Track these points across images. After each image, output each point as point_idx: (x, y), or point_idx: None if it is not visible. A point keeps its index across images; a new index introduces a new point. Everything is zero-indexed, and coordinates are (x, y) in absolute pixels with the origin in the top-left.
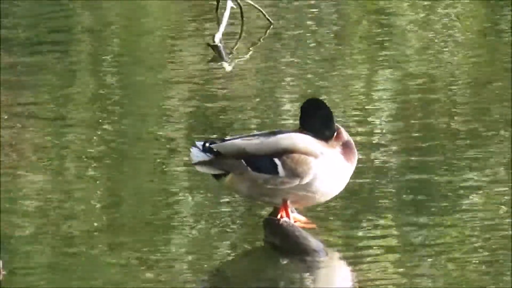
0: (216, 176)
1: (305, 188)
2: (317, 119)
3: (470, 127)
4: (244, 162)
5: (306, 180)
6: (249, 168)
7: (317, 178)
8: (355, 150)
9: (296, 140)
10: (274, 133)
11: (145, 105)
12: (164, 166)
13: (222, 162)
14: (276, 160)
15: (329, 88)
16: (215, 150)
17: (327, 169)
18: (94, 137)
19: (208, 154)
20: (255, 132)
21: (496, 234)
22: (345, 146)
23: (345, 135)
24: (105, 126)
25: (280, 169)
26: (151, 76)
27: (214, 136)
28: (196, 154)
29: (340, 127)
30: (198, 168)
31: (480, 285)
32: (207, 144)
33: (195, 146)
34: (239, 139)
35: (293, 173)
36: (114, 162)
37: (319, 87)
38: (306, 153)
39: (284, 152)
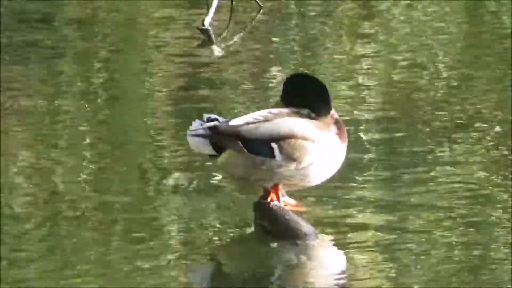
0: (212, 156)
1: (300, 173)
2: (312, 94)
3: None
4: (240, 144)
5: (302, 165)
6: (245, 151)
7: (314, 163)
8: (346, 133)
9: (293, 125)
10: (272, 115)
11: (133, 89)
12: (152, 154)
13: (220, 138)
14: (273, 144)
15: (318, 69)
16: (214, 127)
17: (324, 154)
18: (82, 127)
19: (208, 128)
20: (259, 112)
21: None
22: (339, 126)
23: (335, 113)
24: (93, 114)
25: (277, 153)
26: (140, 59)
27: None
28: (196, 127)
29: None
30: (192, 142)
31: (465, 265)
32: (211, 117)
33: (198, 120)
34: (241, 121)
35: (290, 158)
36: (102, 152)
37: (309, 69)
38: (303, 138)
39: (282, 138)
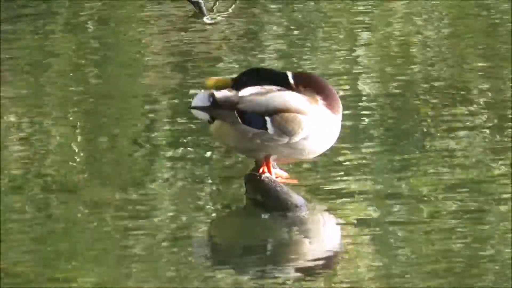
0: (210, 122)
1: (293, 146)
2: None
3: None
4: (236, 114)
5: (295, 139)
6: (239, 121)
7: (307, 137)
8: (338, 99)
9: (288, 98)
10: (270, 90)
11: (124, 60)
12: (144, 127)
13: (217, 112)
14: (267, 117)
15: (311, 46)
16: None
17: (318, 127)
18: (73, 88)
19: (209, 100)
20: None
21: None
22: (326, 97)
23: (322, 83)
24: (85, 81)
25: (269, 125)
26: (131, 30)
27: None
28: (198, 99)
29: (312, 74)
30: (194, 113)
31: (456, 231)
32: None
33: (201, 92)
34: (240, 92)
35: (283, 131)
36: (93, 118)
37: (300, 45)
38: (297, 112)
39: (276, 111)
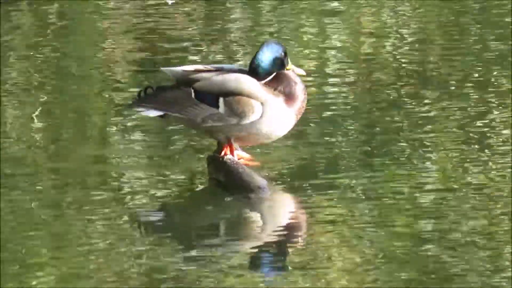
0: (161, 115)
1: (246, 129)
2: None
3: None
4: (191, 89)
5: (245, 121)
6: (193, 97)
7: (259, 121)
8: (302, 98)
9: (242, 82)
10: (224, 70)
11: (85, 43)
12: (106, 106)
13: (161, 100)
14: (220, 98)
15: (274, 27)
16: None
17: (269, 113)
18: (34, 74)
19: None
20: (206, 66)
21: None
22: (290, 95)
23: (294, 81)
24: (44, 61)
25: (221, 105)
26: (91, 8)
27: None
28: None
29: (289, 73)
30: (137, 110)
31: (428, 216)
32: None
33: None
34: (194, 68)
35: (234, 112)
36: (55, 102)
37: (265, 24)
38: (250, 96)
39: (230, 92)
